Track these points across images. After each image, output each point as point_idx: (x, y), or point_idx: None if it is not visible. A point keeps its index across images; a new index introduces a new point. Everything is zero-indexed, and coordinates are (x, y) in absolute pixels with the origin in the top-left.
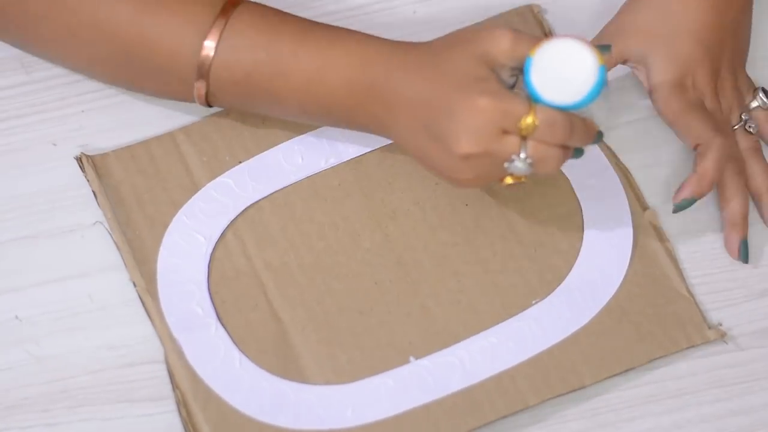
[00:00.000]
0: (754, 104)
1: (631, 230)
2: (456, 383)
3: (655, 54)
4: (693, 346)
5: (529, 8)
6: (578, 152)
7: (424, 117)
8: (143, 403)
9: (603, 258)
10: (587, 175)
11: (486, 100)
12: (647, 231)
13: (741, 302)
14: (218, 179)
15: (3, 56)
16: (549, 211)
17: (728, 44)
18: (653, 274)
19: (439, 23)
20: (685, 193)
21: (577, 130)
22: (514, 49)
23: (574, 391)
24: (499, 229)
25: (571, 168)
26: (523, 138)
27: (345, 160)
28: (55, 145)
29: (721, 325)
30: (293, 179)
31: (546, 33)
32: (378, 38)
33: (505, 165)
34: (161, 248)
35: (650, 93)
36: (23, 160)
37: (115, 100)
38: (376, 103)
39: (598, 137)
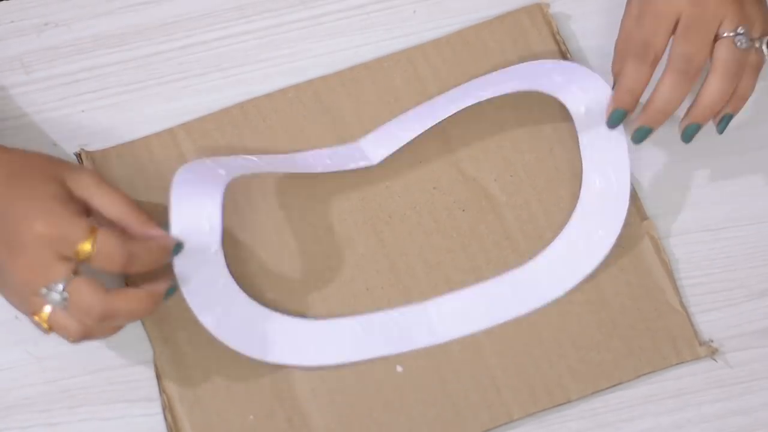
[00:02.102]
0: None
1: (624, 214)
2: (423, 339)
3: None
4: (683, 363)
5: (539, 7)
6: (168, 293)
7: None
8: (143, 403)
9: (588, 238)
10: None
11: (41, 224)
12: (644, 242)
13: (741, 302)
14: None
15: (3, 56)
16: (546, 219)
17: None
18: (647, 286)
19: (439, 23)
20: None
21: (138, 260)
22: (98, 184)
23: (560, 405)
24: (495, 236)
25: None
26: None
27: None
28: (55, 145)
29: (712, 341)
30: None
31: (554, 33)
32: None
33: (43, 292)
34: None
35: None
36: None
37: (115, 100)
38: None
39: (169, 256)
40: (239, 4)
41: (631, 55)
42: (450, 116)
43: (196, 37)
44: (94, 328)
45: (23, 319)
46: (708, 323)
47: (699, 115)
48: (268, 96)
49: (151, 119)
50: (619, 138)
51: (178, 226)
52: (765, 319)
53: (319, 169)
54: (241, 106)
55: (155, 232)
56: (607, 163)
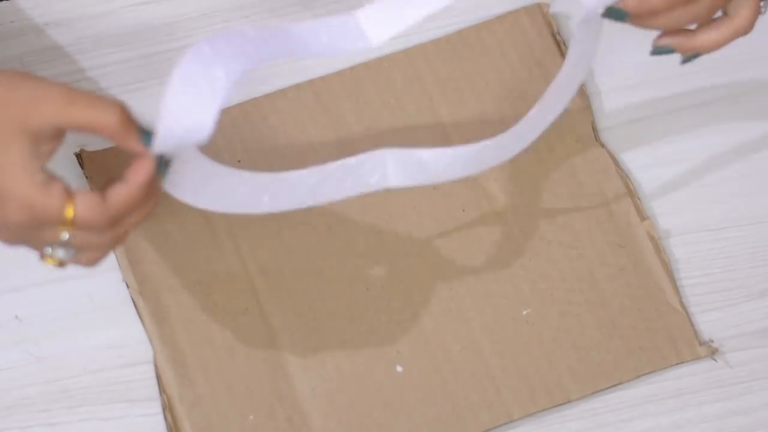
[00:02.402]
0: None
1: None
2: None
3: None
4: (683, 363)
5: (538, 7)
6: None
7: None
8: (143, 403)
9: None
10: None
11: (14, 207)
12: (644, 242)
13: (741, 302)
14: None
15: (3, 56)
16: (546, 219)
17: None
18: (647, 287)
19: (439, 23)
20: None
21: (125, 217)
22: (66, 108)
23: (560, 405)
24: (495, 236)
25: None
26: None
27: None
28: None
29: (712, 341)
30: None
31: (554, 33)
32: None
33: (46, 251)
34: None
35: None
36: None
37: None
38: None
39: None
40: (239, 4)
41: None
42: (450, 116)
43: (196, 37)
44: (107, 243)
45: (23, 319)
46: (708, 323)
47: (686, 47)
48: (269, 96)
49: (151, 119)
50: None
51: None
52: (765, 319)
53: (315, 51)
54: (241, 106)
55: (133, 143)
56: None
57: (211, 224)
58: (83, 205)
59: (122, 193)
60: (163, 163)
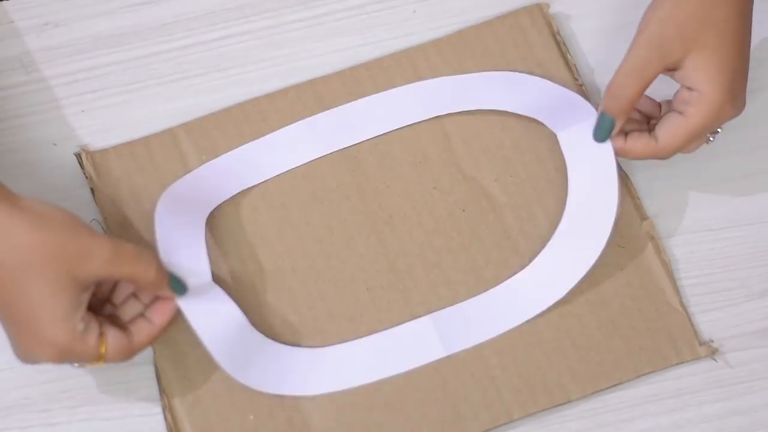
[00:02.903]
0: None
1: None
2: (428, 356)
3: (705, 68)
4: (683, 363)
5: (539, 7)
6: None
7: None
8: (143, 403)
9: (578, 246)
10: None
11: (50, 352)
12: (644, 242)
13: (741, 302)
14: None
15: (3, 56)
16: (546, 219)
17: (748, 41)
18: (647, 287)
19: (439, 23)
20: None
21: (145, 345)
22: (112, 263)
23: (560, 405)
24: (495, 236)
25: (572, 172)
26: None
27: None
28: (55, 145)
29: (712, 341)
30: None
31: (555, 33)
32: None
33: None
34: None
35: (692, 99)
36: (23, 160)
37: (115, 100)
38: None
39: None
40: (239, 4)
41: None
42: (450, 115)
43: (196, 37)
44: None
45: None
46: (708, 323)
47: (625, 151)
48: (269, 96)
49: (151, 119)
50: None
51: (166, 259)
52: (765, 319)
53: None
54: (242, 106)
55: (166, 292)
56: (593, 168)
57: (212, 227)
58: (113, 348)
59: (147, 333)
60: (179, 285)
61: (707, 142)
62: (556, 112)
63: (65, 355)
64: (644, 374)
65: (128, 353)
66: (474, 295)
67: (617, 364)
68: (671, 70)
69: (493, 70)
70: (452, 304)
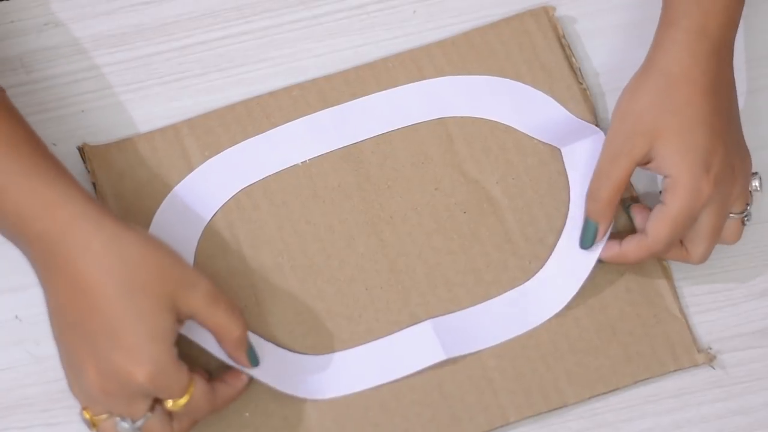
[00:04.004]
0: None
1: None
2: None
3: (671, 153)
4: (680, 369)
5: (544, 10)
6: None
7: (77, 317)
8: None
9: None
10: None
11: (146, 371)
12: None
13: (741, 302)
14: (213, 159)
15: (3, 56)
16: (547, 223)
17: (733, 125)
18: (646, 292)
19: (439, 23)
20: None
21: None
22: (209, 304)
23: (556, 409)
24: (496, 238)
25: (572, 171)
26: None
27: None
28: (55, 145)
29: (710, 348)
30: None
31: (560, 36)
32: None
33: (117, 421)
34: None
35: (671, 189)
36: None
37: (115, 100)
38: (45, 250)
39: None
40: (239, 4)
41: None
42: (453, 117)
43: (196, 37)
44: None
45: (23, 319)
46: (708, 323)
47: (623, 256)
48: (273, 94)
49: (151, 119)
50: None
51: None
52: (765, 319)
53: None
54: (246, 103)
55: (242, 358)
56: None
57: (212, 223)
58: (200, 391)
59: (228, 394)
60: (255, 357)
61: (742, 225)
62: (563, 136)
63: (159, 376)
64: (641, 380)
65: (209, 407)
66: (473, 297)
67: (615, 369)
68: (646, 163)
69: (497, 73)
70: (451, 306)
